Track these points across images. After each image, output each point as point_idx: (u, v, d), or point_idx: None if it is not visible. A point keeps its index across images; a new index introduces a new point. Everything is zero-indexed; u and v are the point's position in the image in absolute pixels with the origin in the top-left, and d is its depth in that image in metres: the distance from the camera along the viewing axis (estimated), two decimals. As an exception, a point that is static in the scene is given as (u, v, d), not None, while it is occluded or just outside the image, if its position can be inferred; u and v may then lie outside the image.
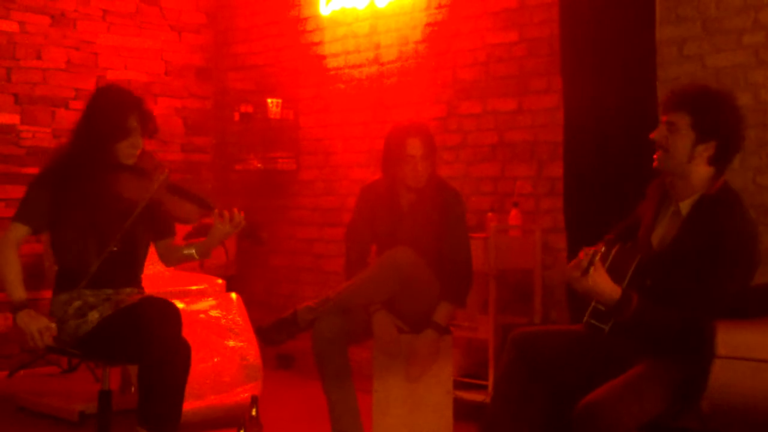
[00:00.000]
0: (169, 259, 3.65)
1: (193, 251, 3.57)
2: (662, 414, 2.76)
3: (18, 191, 5.63)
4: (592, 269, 2.76)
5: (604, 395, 2.70)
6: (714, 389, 2.67)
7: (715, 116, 2.90)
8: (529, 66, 4.88)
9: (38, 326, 3.22)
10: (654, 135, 2.98)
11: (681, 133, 2.91)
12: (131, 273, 3.52)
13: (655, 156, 3.00)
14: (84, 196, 3.38)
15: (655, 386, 2.76)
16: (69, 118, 5.86)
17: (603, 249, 2.82)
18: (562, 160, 4.36)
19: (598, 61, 4.15)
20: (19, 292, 3.27)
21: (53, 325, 3.26)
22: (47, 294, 3.41)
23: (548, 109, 4.75)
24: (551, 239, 4.69)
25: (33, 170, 5.66)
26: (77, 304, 3.36)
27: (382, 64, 5.62)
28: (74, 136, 3.50)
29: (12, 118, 5.67)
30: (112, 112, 3.42)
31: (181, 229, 3.84)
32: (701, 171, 2.93)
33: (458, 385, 4.39)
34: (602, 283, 2.80)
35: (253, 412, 3.21)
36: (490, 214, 4.76)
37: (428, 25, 5.37)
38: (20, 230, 3.37)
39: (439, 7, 5.31)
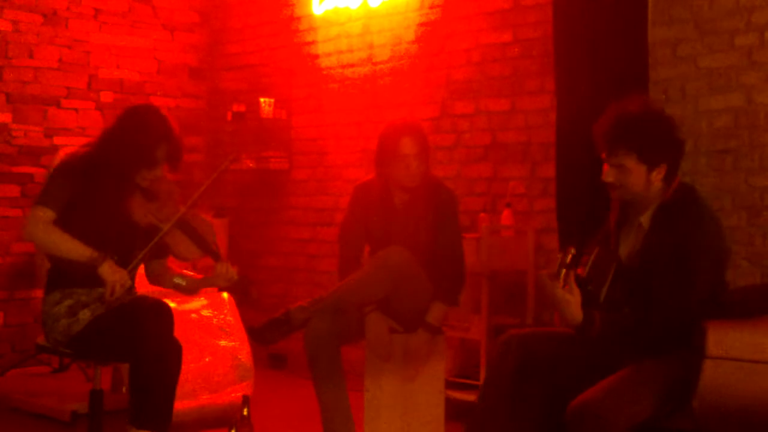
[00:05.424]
0: (156, 279, 3.64)
1: (184, 284, 3.58)
2: (654, 414, 2.77)
3: (11, 190, 5.68)
4: (561, 282, 2.78)
5: (595, 395, 2.71)
6: (705, 389, 2.68)
7: (658, 144, 2.97)
8: (522, 67, 4.88)
9: (121, 278, 3.26)
10: (605, 178, 3.02)
11: (632, 170, 2.97)
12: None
13: (611, 192, 3.05)
14: (93, 204, 3.37)
15: (646, 387, 2.76)
16: (61, 116, 5.87)
17: (573, 251, 2.81)
18: (555, 161, 4.37)
19: (591, 62, 4.15)
20: (89, 251, 3.27)
21: (128, 280, 3.31)
22: (39, 293, 3.39)
23: (541, 110, 4.76)
24: (544, 240, 4.70)
25: (25, 169, 5.68)
26: (69, 302, 3.35)
27: (375, 64, 5.62)
28: (101, 144, 3.46)
29: (4, 117, 5.65)
30: (142, 138, 3.38)
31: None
32: (657, 187, 2.99)
33: (450, 385, 4.40)
34: (569, 304, 2.82)
35: (245, 412, 3.20)
36: (482, 214, 4.76)
37: (421, 25, 5.37)
38: (47, 213, 3.32)
39: (433, 6, 5.31)
